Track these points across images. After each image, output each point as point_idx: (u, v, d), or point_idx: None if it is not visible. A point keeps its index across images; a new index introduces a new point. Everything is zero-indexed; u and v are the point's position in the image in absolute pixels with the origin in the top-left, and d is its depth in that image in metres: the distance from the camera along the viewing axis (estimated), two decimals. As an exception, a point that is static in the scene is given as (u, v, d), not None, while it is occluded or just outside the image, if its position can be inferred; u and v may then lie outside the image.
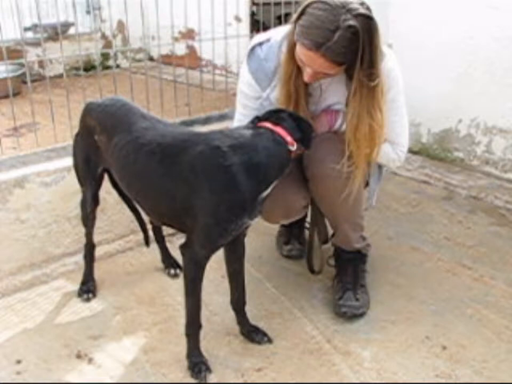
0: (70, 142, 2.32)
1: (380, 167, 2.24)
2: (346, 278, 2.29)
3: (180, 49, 4.50)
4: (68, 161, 2.43)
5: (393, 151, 2.10)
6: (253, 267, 2.55)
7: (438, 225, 2.96)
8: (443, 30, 3.38)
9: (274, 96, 2.05)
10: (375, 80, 1.78)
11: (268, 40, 2.01)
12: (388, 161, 2.14)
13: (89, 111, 2.05)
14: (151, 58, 5.11)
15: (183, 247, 1.80)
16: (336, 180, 2.00)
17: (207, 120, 3.10)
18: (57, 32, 4.13)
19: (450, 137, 3.52)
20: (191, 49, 4.80)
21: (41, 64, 4.43)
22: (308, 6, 1.76)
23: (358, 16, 1.71)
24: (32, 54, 4.27)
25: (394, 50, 2.22)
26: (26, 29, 4.25)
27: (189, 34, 4.65)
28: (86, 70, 4.57)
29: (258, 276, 2.50)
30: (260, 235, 2.80)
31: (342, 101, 2.01)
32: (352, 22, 1.70)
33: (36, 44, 4.19)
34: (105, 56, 4.86)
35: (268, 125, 1.74)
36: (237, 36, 3.27)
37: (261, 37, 2.05)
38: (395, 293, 2.40)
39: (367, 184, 2.23)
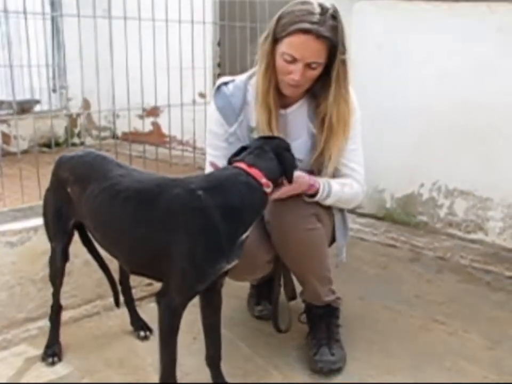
0: (38, 202, 2.28)
1: (343, 214, 2.24)
2: (320, 334, 2.25)
3: (145, 126, 4.62)
4: (35, 221, 2.38)
5: (356, 182, 2.13)
6: (225, 328, 2.48)
7: (408, 285, 2.96)
8: (402, 97, 3.50)
9: (240, 133, 2.08)
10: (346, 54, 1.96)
11: (233, 80, 2.11)
12: (352, 196, 2.14)
13: (61, 163, 2.04)
14: (115, 136, 5.14)
15: (158, 295, 1.75)
16: (305, 237, 2.01)
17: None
18: (23, 109, 4.16)
19: (413, 201, 3.60)
20: (156, 125, 4.90)
21: (5, 140, 4.41)
22: (281, 14, 1.96)
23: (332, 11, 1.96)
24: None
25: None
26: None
27: (153, 111, 4.74)
28: (50, 146, 4.55)
29: (231, 336, 2.44)
30: (231, 297, 2.75)
31: (304, 143, 2.08)
32: (332, 12, 1.93)
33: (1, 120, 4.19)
34: (71, 133, 4.87)
35: (243, 165, 1.74)
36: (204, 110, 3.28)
37: (225, 78, 2.14)
38: (371, 349, 2.36)
39: (333, 240, 2.22)
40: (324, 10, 1.91)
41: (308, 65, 1.92)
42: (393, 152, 3.57)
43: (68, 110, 4.75)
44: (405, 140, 3.52)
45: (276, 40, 1.94)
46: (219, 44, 4.38)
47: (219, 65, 4.43)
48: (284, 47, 1.92)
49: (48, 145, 4.39)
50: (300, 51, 1.90)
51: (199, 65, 3.36)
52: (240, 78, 2.10)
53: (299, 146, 2.04)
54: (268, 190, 1.73)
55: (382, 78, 3.56)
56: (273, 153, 1.78)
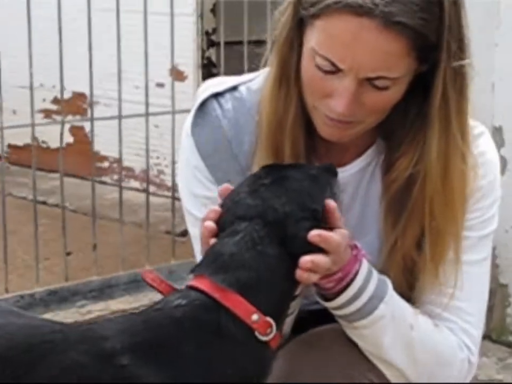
0: None
1: None
2: None
3: (55, 136, 2.46)
4: None
5: (453, 333, 1.14)
6: None
7: None
8: None
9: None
10: (470, 75, 1.08)
11: (235, 88, 1.20)
12: (433, 353, 1.15)
13: None
14: None
15: None
16: None
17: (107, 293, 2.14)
18: None
19: None
20: (79, 134, 2.88)
21: None
22: None
23: None
24: None
25: None
26: None
27: (75, 103, 2.70)
28: None
29: None
30: None
31: (375, 241, 1.17)
32: None
33: None
34: None
35: (205, 287, 0.99)
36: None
37: (217, 82, 1.23)
38: None
39: None
40: None
41: (369, 81, 1.05)
42: None
43: None
44: None
45: (301, 19, 1.08)
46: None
47: (214, 31, 2.66)
48: (315, 38, 1.05)
49: None
50: (348, 52, 1.02)
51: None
52: (250, 85, 1.21)
53: (366, 247, 1.17)
54: (268, 337, 1.02)
55: None
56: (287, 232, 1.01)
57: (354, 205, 1.19)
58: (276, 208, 1.00)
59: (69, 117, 2.70)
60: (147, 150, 2.26)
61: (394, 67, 1.02)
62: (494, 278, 2.16)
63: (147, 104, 2.13)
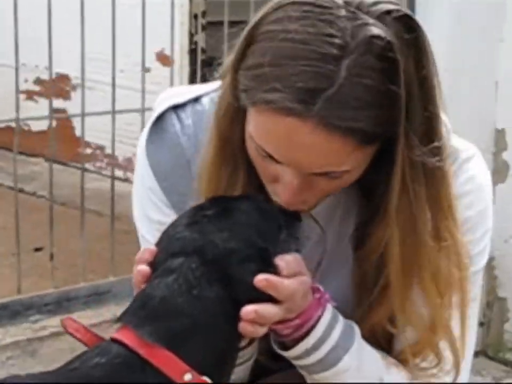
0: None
1: None
2: None
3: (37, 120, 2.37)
4: None
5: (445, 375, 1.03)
6: None
7: None
8: None
9: None
10: (443, 159, 0.91)
11: (197, 99, 1.04)
12: None
13: None
14: None
15: None
16: None
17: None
18: None
19: None
20: (61, 118, 2.70)
21: None
22: (262, 19, 0.86)
23: (386, 16, 0.84)
24: None
25: None
26: None
27: (58, 85, 2.57)
28: None
29: None
30: None
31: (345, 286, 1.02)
32: (375, 30, 0.82)
33: None
34: None
35: (131, 341, 0.84)
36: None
37: (176, 93, 1.08)
38: None
39: None
40: (348, 32, 0.81)
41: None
42: None
43: None
44: None
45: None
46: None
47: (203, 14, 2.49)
48: (251, 126, 0.89)
49: None
50: (285, 151, 0.87)
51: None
52: (214, 96, 1.02)
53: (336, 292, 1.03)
54: None
55: None
56: (220, 274, 0.86)
57: (326, 238, 1.04)
58: (217, 244, 0.85)
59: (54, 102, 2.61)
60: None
61: (342, 163, 0.87)
62: (492, 291, 2.07)
63: (143, 100, 1.98)
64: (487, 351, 2.06)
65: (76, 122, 2.69)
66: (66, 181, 2.50)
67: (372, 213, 0.94)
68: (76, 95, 2.84)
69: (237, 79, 0.87)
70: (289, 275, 0.86)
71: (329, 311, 0.93)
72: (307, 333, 0.91)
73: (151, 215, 1.07)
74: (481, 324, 2.02)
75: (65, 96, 2.84)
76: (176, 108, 1.03)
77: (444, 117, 0.94)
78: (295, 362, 0.95)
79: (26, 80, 2.71)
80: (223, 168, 0.95)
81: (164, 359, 0.83)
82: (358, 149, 0.84)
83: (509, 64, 1.96)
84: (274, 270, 0.85)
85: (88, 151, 2.62)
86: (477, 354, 2.01)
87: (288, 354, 0.93)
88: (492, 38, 1.96)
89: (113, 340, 0.84)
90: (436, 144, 0.87)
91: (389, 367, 0.99)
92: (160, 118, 1.04)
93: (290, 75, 0.80)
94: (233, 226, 0.87)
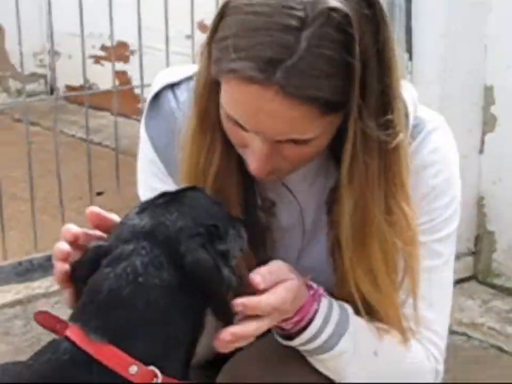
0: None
1: None
2: None
3: (104, 79, 2.84)
4: None
5: (420, 344, 1.04)
6: None
7: None
8: None
9: None
10: (395, 133, 0.89)
11: (191, 78, 1.07)
12: (401, 367, 1.04)
13: None
14: (53, 92, 3.55)
15: None
16: None
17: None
18: None
19: None
20: (124, 79, 3.22)
21: None
22: (229, 1, 0.88)
23: None
24: None
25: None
26: None
27: (119, 51, 2.99)
28: None
29: None
30: None
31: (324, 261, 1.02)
32: (334, 3, 0.83)
33: None
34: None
35: (77, 338, 0.81)
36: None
37: (172, 73, 1.11)
38: None
39: None
40: (309, 6, 0.82)
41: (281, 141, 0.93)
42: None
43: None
44: None
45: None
46: None
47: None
48: (223, 95, 0.92)
49: None
50: (251, 119, 0.89)
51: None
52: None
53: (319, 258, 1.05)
54: None
55: None
56: (172, 266, 0.81)
57: (310, 201, 1.05)
58: (167, 225, 0.82)
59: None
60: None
61: (305, 131, 0.88)
62: (482, 225, 2.25)
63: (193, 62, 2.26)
64: (477, 277, 2.28)
65: (135, 81, 3.10)
66: (129, 132, 2.71)
67: (337, 181, 0.94)
68: (134, 59, 3.19)
69: (210, 52, 0.89)
70: (267, 288, 0.86)
71: (324, 304, 0.95)
72: (306, 327, 0.94)
73: (154, 185, 1.11)
74: (473, 253, 2.28)
75: (125, 60, 3.24)
76: (172, 86, 1.07)
77: (408, 91, 0.95)
78: (297, 348, 0.98)
79: (94, 46, 3.15)
80: (202, 140, 0.96)
81: (107, 354, 0.81)
82: (319, 117, 0.85)
83: (498, 28, 2.13)
84: (249, 289, 0.83)
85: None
86: (468, 279, 2.27)
87: (290, 343, 0.96)
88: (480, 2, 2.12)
89: (65, 337, 0.83)
90: (388, 117, 0.87)
91: (381, 337, 1.00)
92: (158, 96, 1.07)
93: (253, 45, 0.81)
94: (182, 208, 0.85)
